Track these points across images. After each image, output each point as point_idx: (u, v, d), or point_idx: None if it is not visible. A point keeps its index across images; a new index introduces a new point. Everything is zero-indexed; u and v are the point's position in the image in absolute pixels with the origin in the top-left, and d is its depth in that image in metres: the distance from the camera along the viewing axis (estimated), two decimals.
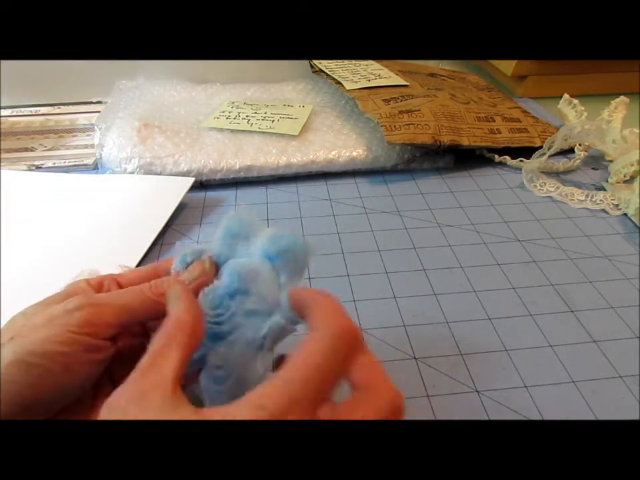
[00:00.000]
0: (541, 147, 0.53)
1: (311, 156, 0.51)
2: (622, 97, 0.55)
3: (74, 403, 0.21)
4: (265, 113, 0.58)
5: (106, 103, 0.62)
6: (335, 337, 0.18)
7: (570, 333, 0.34)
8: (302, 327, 0.23)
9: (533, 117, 0.60)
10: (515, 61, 0.67)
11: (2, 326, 0.21)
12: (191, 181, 0.47)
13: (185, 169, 0.49)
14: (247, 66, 0.70)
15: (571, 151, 0.55)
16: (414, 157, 0.53)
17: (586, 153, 0.54)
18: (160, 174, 0.49)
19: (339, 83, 0.61)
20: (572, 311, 0.36)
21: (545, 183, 0.49)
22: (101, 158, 0.51)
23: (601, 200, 0.47)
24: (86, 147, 0.56)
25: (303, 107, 0.60)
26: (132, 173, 0.49)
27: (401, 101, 0.56)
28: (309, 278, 0.38)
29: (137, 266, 0.39)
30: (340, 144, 0.52)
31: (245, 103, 0.61)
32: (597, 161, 0.55)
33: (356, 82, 0.61)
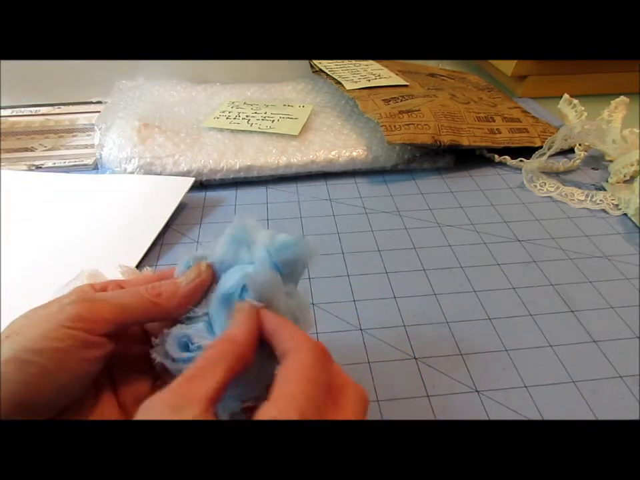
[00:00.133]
0: (541, 147, 0.53)
1: (311, 156, 0.51)
2: (622, 97, 0.55)
3: (75, 403, 0.21)
4: (265, 113, 0.58)
5: (106, 103, 0.62)
6: (318, 352, 0.20)
7: (570, 332, 0.34)
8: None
9: (533, 116, 0.60)
10: (515, 61, 0.67)
11: (2, 326, 0.21)
12: (191, 180, 0.47)
13: (185, 169, 0.49)
14: (247, 66, 0.70)
15: (571, 151, 0.55)
16: (414, 156, 0.53)
17: (586, 153, 0.54)
18: (160, 174, 0.49)
19: (339, 83, 0.61)
20: (572, 311, 0.36)
21: (545, 183, 0.49)
22: (100, 158, 0.51)
23: (601, 200, 0.47)
24: (86, 146, 0.56)
25: (303, 107, 0.60)
26: (132, 173, 0.49)
27: (401, 100, 0.56)
28: (309, 278, 0.38)
29: (137, 266, 0.39)
30: (340, 144, 0.52)
31: (245, 103, 0.61)
32: (597, 160, 0.55)
33: (356, 82, 0.61)
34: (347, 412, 0.18)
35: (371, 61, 0.69)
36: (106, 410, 0.22)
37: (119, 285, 0.24)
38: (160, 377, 0.24)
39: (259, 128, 0.54)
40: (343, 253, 0.41)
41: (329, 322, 0.35)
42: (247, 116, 0.57)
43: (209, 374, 0.18)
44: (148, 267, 0.38)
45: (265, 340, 0.21)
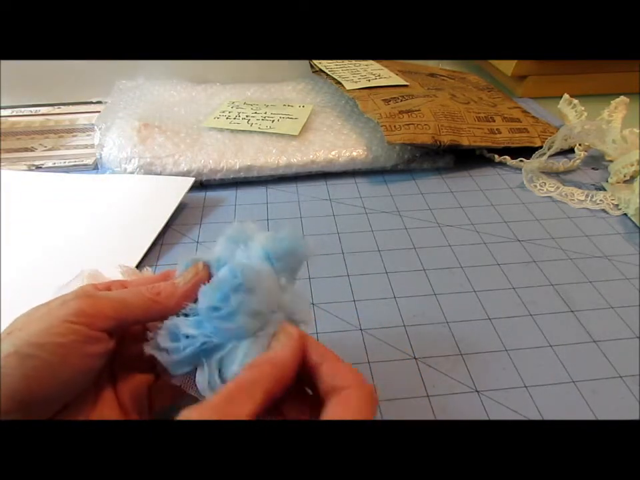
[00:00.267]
0: (541, 147, 0.53)
1: (311, 156, 0.51)
2: (622, 97, 0.55)
3: (75, 402, 0.21)
4: (265, 112, 0.58)
5: (106, 103, 0.62)
6: (370, 396, 0.19)
7: (570, 332, 0.34)
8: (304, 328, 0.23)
9: (533, 116, 0.60)
10: (515, 61, 0.67)
11: (2, 325, 0.21)
12: (191, 180, 0.47)
13: (185, 169, 0.49)
14: (247, 66, 0.70)
15: (571, 151, 0.55)
16: (414, 157, 0.53)
17: (586, 153, 0.54)
18: (160, 174, 0.49)
19: (339, 83, 0.61)
20: (572, 311, 0.36)
21: (545, 183, 0.49)
22: (100, 158, 0.51)
23: (601, 200, 0.47)
24: (86, 146, 0.56)
25: (303, 107, 0.60)
26: (132, 173, 0.49)
27: (401, 100, 0.56)
28: (309, 278, 0.38)
29: (137, 266, 0.39)
30: (340, 144, 0.52)
31: (245, 103, 0.61)
32: (597, 160, 0.55)
33: (356, 82, 0.61)
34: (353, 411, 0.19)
35: (370, 61, 0.69)
36: (106, 409, 0.22)
37: (122, 284, 0.24)
38: (160, 377, 0.24)
39: (259, 128, 0.54)
40: (343, 253, 0.41)
41: (328, 322, 0.35)
42: (247, 116, 0.57)
43: (248, 395, 0.18)
44: (148, 267, 0.38)
45: (308, 369, 0.21)
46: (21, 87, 0.65)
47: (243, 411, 0.18)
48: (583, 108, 0.57)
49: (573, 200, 0.48)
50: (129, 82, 0.67)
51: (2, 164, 0.52)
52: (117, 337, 0.23)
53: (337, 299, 0.37)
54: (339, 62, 0.67)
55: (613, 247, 0.42)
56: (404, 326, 0.34)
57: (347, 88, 0.59)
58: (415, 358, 0.32)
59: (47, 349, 0.19)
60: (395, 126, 0.50)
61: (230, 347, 0.21)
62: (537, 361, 0.32)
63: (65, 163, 0.53)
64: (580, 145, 0.54)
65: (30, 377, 0.19)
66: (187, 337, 0.22)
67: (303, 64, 0.69)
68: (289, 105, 0.61)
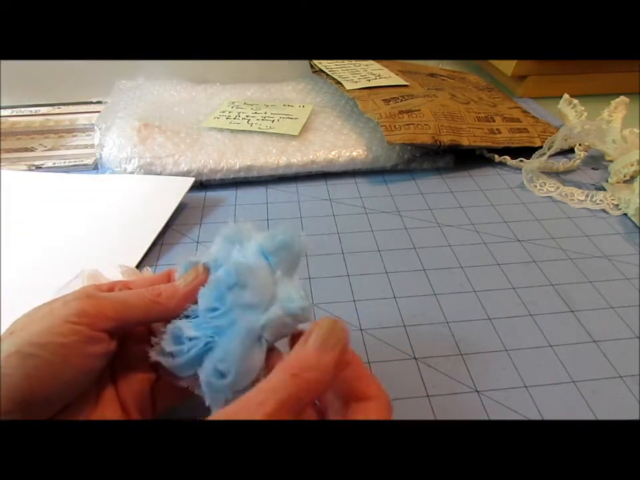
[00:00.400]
0: (541, 147, 0.53)
1: (311, 156, 0.51)
2: (622, 97, 0.55)
3: (76, 402, 0.21)
4: (265, 113, 0.58)
5: (106, 103, 0.62)
6: (389, 404, 0.20)
7: (570, 332, 0.34)
8: (303, 326, 0.23)
9: (533, 117, 0.60)
10: (515, 61, 0.67)
11: (2, 325, 0.21)
12: (191, 180, 0.47)
13: (185, 169, 0.49)
14: (247, 66, 0.70)
15: (571, 151, 0.55)
16: (414, 157, 0.53)
17: (586, 153, 0.54)
18: (160, 174, 0.49)
19: (339, 83, 0.61)
20: (572, 311, 0.36)
21: (545, 183, 0.49)
22: (100, 158, 0.51)
23: (601, 200, 0.47)
24: (86, 146, 0.56)
25: (303, 107, 0.60)
26: (132, 173, 0.49)
27: (401, 100, 0.56)
28: (309, 278, 0.38)
29: (137, 266, 0.39)
30: (340, 144, 0.52)
31: (245, 103, 0.61)
32: (597, 160, 0.55)
33: (356, 82, 0.61)
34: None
35: (370, 61, 0.69)
36: (107, 409, 0.22)
37: (125, 285, 0.24)
38: (161, 377, 0.24)
39: (259, 128, 0.54)
40: (343, 253, 0.41)
41: None
42: (247, 116, 0.57)
43: (287, 407, 0.17)
44: (148, 267, 0.38)
45: (345, 378, 0.20)
46: (20, 87, 0.65)
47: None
48: (582, 108, 0.57)
49: (572, 200, 0.48)
50: (129, 82, 0.67)
51: (2, 164, 0.52)
52: (118, 337, 0.23)
53: (337, 299, 0.37)
54: (339, 62, 0.67)
55: (613, 247, 0.42)
56: (404, 326, 0.34)
57: (347, 88, 0.59)
58: (415, 358, 0.32)
59: (49, 348, 0.19)
60: (395, 126, 0.50)
61: (225, 342, 0.22)
62: (537, 361, 0.32)
63: (64, 162, 0.53)
64: (580, 145, 0.54)
65: (31, 377, 0.19)
66: (190, 339, 0.22)
67: (302, 64, 0.69)
68: (289, 105, 0.61)
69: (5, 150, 0.55)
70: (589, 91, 0.68)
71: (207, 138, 0.53)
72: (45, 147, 0.56)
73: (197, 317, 0.23)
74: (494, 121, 0.56)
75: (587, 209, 0.47)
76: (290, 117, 0.57)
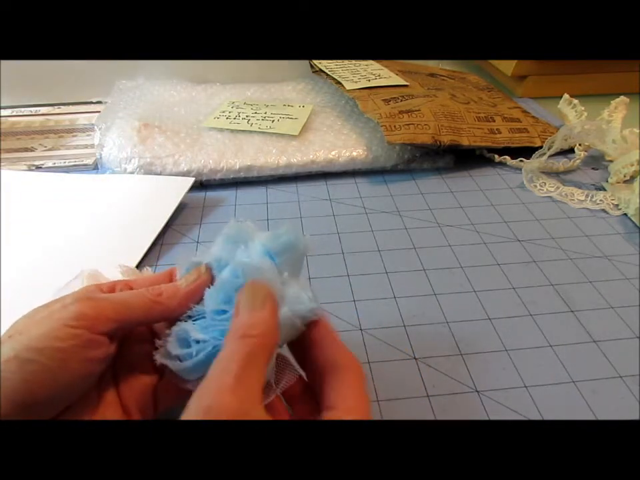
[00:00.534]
0: (541, 147, 0.53)
1: (311, 156, 0.51)
2: (622, 97, 0.55)
3: (77, 404, 0.21)
4: (265, 112, 0.58)
5: (106, 103, 0.62)
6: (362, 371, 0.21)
7: (570, 332, 0.34)
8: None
9: (533, 117, 0.60)
10: (515, 61, 0.67)
11: (2, 325, 0.21)
12: (191, 180, 0.47)
13: (185, 169, 0.49)
14: (247, 66, 0.70)
15: (571, 151, 0.55)
16: (414, 157, 0.53)
17: (586, 153, 0.54)
18: (160, 174, 0.49)
19: (339, 83, 0.61)
20: (572, 311, 0.36)
21: (545, 183, 0.49)
22: (100, 158, 0.51)
23: (601, 200, 0.47)
24: (86, 146, 0.56)
25: (303, 107, 0.60)
26: (132, 173, 0.49)
27: (401, 100, 0.56)
28: (309, 278, 0.38)
29: (137, 266, 0.39)
30: (340, 144, 0.52)
31: (245, 103, 0.61)
32: (597, 160, 0.55)
33: (356, 82, 0.61)
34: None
35: (370, 61, 0.69)
36: (108, 411, 0.22)
37: (127, 284, 0.24)
38: (162, 378, 0.24)
39: (259, 128, 0.54)
40: (343, 253, 0.41)
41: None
42: (247, 116, 0.57)
43: (256, 365, 0.19)
44: (148, 267, 0.38)
45: (316, 340, 0.22)
46: (21, 87, 0.65)
47: (255, 389, 0.18)
48: (583, 108, 0.57)
49: (573, 200, 0.48)
50: (129, 82, 0.67)
51: (2, 164, 0.52)
52: (119, 339, 0.23)
53: (337, 299, 0.37)
54: (339, 62, 0.67)
55: (613, 247, 0.42)
56: (404, 326, 0.34)
57: (347, 88, 0.59)
58: (414, 358, 0.32)
59: (46, 353, 0.19)
60: (395, 126, 0.50)
61: None
62: (537, 361, 0.32)
63: (65, 162, 0.53)
64: (580, 145, 0.54)
65: (29, 382, 0.19)
66: (197, 341, 0.22)
67: (302, 64, 0.69)
68: (288, 105, 0.61)
69: (4, 150, 0.55)
70: (589, 90, 0.68)
71: (207, 138, 0.53)
72: (45, 147, 0.56)
73: (201, 318, 0.23)
74: (494, 121, 0.56)
75: (587, 208, 0.47)
76: (290, 117, 0.57)
